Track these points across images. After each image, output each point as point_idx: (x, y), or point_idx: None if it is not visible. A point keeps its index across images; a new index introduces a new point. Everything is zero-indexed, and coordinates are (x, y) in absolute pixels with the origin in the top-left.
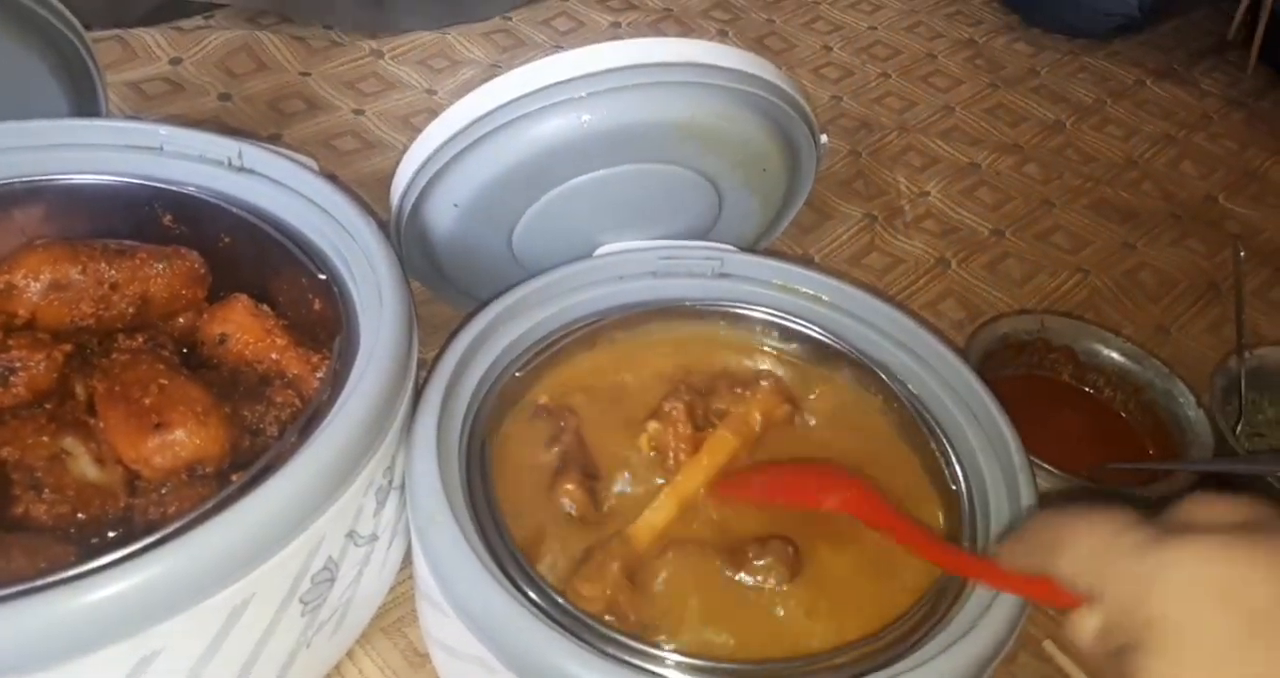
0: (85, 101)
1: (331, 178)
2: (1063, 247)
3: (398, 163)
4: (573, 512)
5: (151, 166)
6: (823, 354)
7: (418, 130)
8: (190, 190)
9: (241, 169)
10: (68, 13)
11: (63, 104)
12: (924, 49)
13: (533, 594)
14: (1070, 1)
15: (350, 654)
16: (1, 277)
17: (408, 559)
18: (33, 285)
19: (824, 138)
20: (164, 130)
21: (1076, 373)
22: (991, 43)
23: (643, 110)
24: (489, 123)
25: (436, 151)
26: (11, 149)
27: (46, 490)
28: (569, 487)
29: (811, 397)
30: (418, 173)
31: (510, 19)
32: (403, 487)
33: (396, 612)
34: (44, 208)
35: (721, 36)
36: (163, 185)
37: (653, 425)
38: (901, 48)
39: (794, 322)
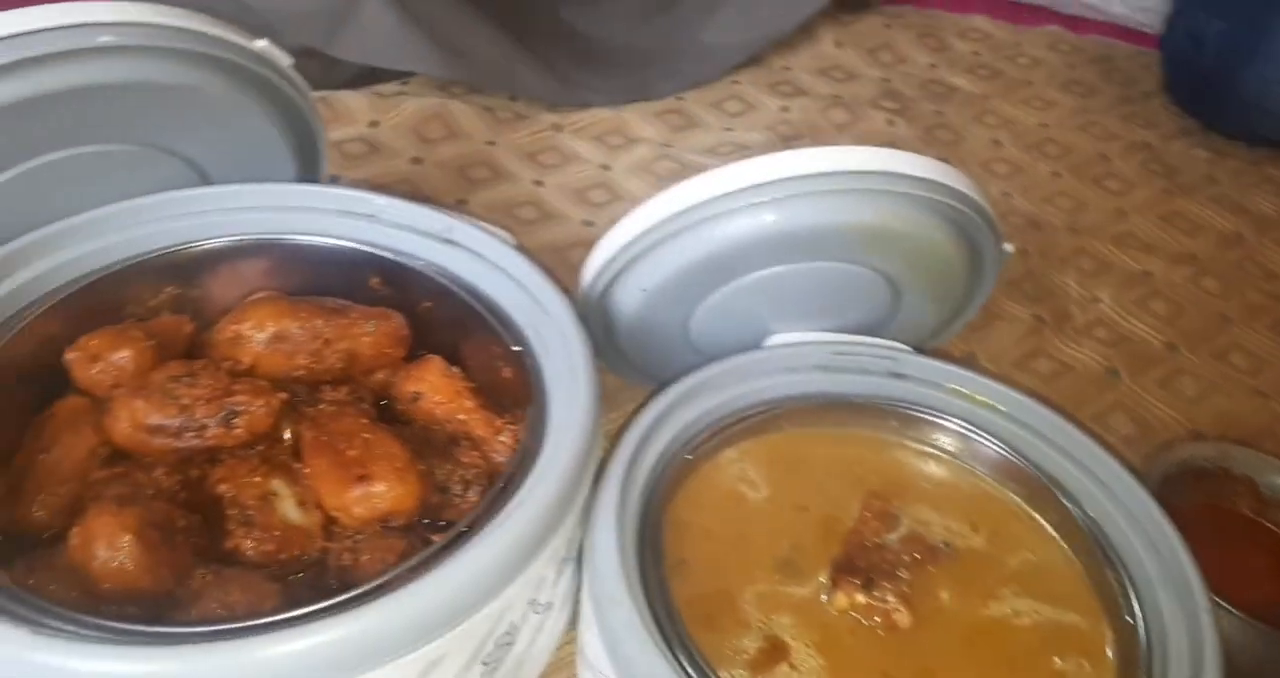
0: (308, 162)
1: (524, 251)
2: (1240, 367)
3: (574, 236)
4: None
5: (366, 232)
6: (997, 467)
7: (591, 204)
8: (401, 258)
9: (448, 241)
10: (300, 81)
11: (289, 164)
12: (1097, 149)
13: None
14: (1253, 107)
15: None
16: (231, 326)
17: (569, 626)
18: (258, 336)
19: (1008, 247)
20: (380, 200)
21: (1257, 507)
22: (1168, 146)
23: (830, 214)
24: (684, 219)
25: (633, 240)
26: (248, 208)
27: (256, 528)
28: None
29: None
30: (614, 257)
31: (683, 99)
32: (577, 558)
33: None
34: (268, 263)
35: (889, 126)
36: (375, 251)
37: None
38: (1073, 147)
39: (970, 431)
